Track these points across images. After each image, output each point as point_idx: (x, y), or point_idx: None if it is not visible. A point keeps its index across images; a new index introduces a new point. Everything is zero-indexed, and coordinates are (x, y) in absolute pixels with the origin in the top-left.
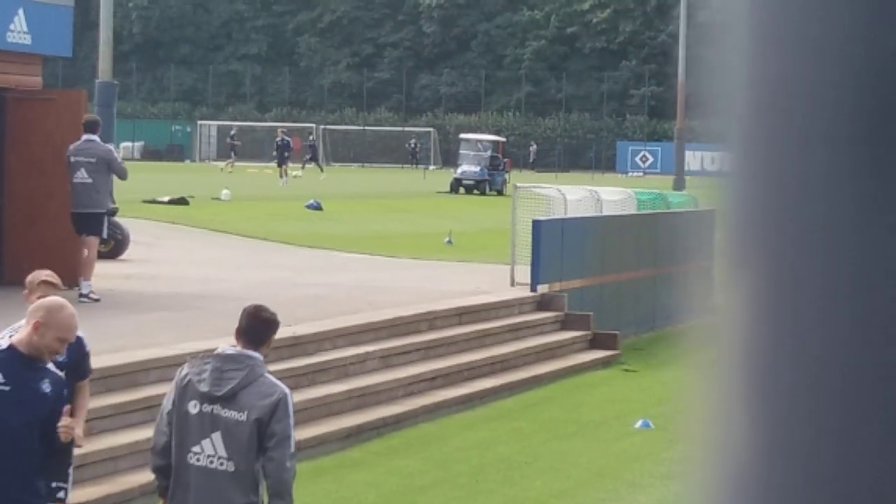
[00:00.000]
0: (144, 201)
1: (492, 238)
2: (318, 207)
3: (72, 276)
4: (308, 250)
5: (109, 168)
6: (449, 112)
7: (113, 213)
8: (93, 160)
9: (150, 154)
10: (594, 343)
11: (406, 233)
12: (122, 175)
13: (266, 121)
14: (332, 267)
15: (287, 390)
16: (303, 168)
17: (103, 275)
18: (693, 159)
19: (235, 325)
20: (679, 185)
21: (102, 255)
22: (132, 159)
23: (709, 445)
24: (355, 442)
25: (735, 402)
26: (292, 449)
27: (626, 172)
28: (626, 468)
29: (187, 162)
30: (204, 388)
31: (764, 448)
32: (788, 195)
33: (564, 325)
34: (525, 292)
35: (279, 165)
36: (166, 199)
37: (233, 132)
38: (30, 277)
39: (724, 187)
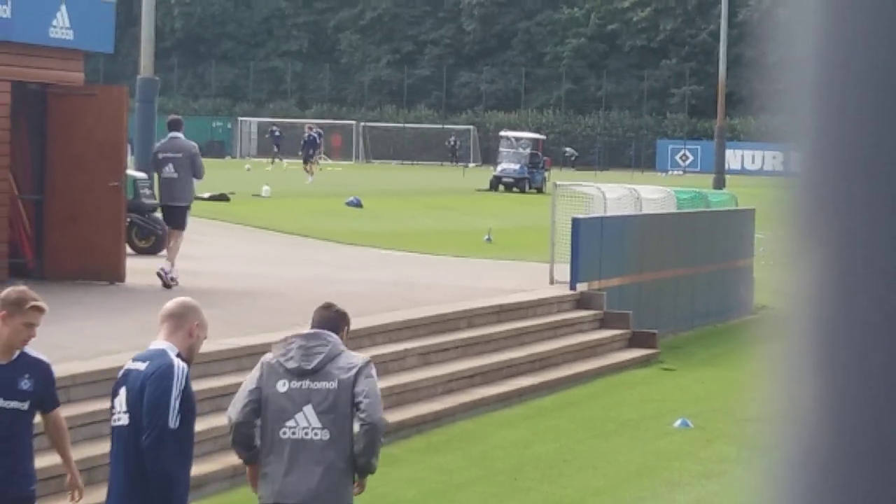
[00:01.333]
0: None
1: (531, 236)
2: (358, 204)
3: (112, 271)
4: (348, 247)
5: (192, 164)
6: (489, 110)
7: (153, 209)
8: (179, 155)
9: None
10: (633, 341)
11: (445, 230)
12: (200, 174)
13: (306, 117)
14: (371, 264)
15: (368, 359)
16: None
17: (144, 270)
18: (733, 158)
19: (274, 320)
20: (719, 184)
21: (144, 251)
22: None
23: (781, 432)
24: (395, 439)
25: (806, 384)
26: (380, 410)
27: (666, 171)
28: (664, 467)
29: (227, 158)
30: (293, 364)
31: (836, 429)
32: (860, 193)
33: (603, 323)
34: (564, 290)
35: (305, 162)
36: (207, 195)
37: (274, 129)
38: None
39: (790, 186)
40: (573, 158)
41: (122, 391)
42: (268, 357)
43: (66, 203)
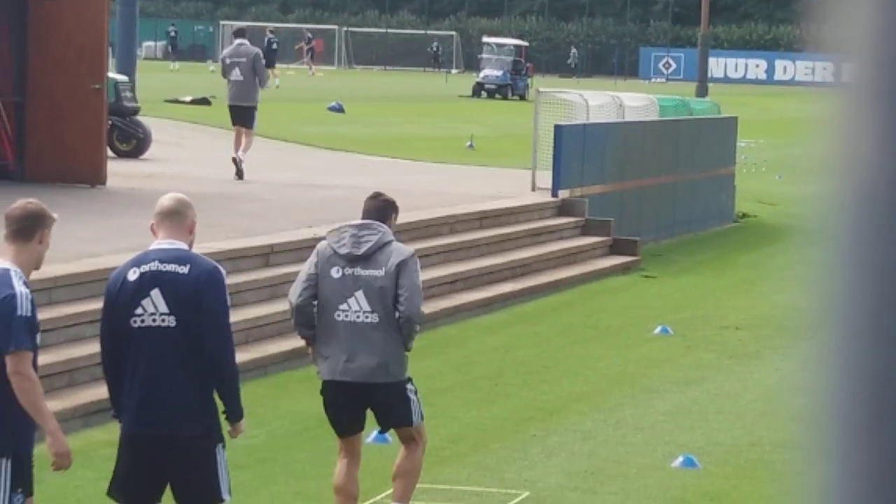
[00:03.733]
0: (166, 101)
1: (513, 143)
2: (340, 110)
3: (93, 174)
4: (330, 152)
5: (254, 68)
6: (472, 16)
7: (135, 112)
8: (244, 60)
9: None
10: (614, 249)
11: (428, 136)
12: (264, 80)
13: (288, 21)
14: (353, 169)
15: (412, 252)
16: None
17: (125, 173)
18: (716, 66)
19: (255, 225)
20: (702, 92)
21: (125, 154)
22: (154, 58)
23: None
24: None
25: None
26: (418, 303)
27: (649, 79)
28: (644, 374)
29: (209, 62)
30: (344, 250)
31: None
32: None
33: (585, 230)
34: (546, 197)
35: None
36: (188, 98)
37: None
38: None
39: (839, 97)
40: (575, 63)
41: (156, 293)
42: (322, 245)
43: (47, 105)
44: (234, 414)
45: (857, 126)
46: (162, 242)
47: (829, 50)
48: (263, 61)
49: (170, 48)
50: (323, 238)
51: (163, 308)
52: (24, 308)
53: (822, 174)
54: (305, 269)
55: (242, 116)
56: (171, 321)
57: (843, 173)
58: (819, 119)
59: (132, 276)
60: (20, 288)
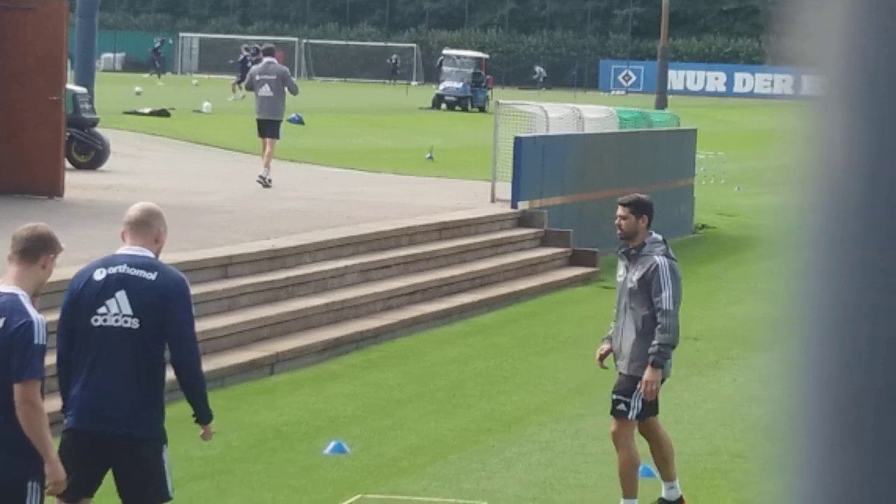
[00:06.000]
0: (125, 112)
1: (473, 154)
2: (299, 121)
3: (51, 185)
4: (289, 164)
5: (285, 83)
6: (432, 28)
7: (93, 123)
8: (273, 77)
9: (131, 66)
10: (574, 260)
11: (388, 148)
12: (295, 91)
13: (248, 34)
14: (313, 181)
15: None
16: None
17: (82, 185)
18: (676, 78)
19: (215, 236)
20: (661, 104)
21: (82, 166)
22: (113, 70)
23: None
24: (333, 355)
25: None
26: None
27: (609, 91)
28: (603, 384)
29: (168, 74)
30: None
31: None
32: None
33: (544, 241)
34: (506, 209)
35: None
36: (147, 110)
37: (157, 45)
38: None
39: (810, 110)
40: (542, 79)
41: (122, 295)
42: None
43: (5, 117)
44: (205, 417)
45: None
46: (131, 248)
47: (794, 63)
48: (293, 78)
49: (156, 63)
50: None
51: (127, 310)
52: (40, 336)
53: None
54: None
55: (270, 129)
56: (134, 323)
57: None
58: (786, 131)
59: (98, 275)
60: (35, 315)
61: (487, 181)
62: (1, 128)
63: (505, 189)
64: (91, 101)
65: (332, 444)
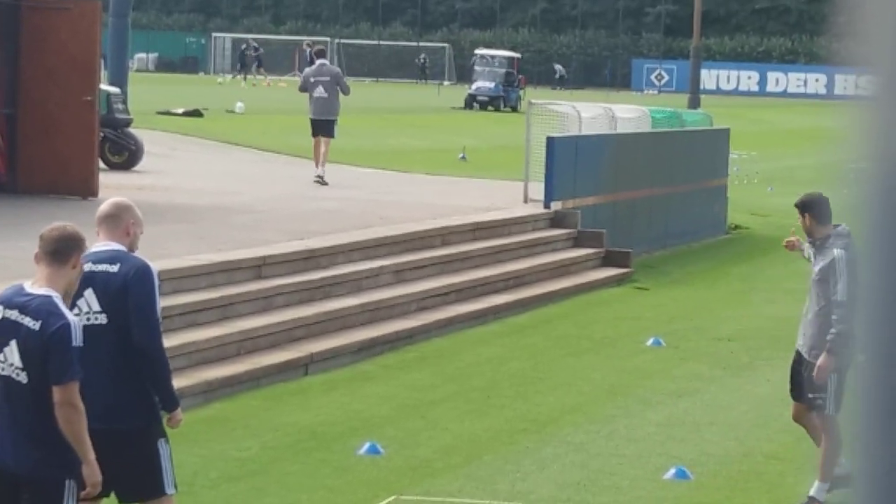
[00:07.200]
0: (159, 112)
1: (506, 154)
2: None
3: (85, 186)
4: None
5: (337, 84)
6: (464, 28)
7: (127, 124)
8: (327, 79)
9: (164, 66)
10: (607, 260)
11: (420, 148)
12: (347, 91)
13: (281, 34)
14: (346, 181)
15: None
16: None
17: (116, 185)
18: (708, 78)
19: (248, 237)
20: (694, 104)
21: (116, 166)
22: (146, 70)
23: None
24: (368, 355)
25: None
26: None
27: (641, 90)
28: (637, 385)
29: (200, 74)
30: None
31: None
32: None
33: (577, 242)
34: (538, 209)
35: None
36: (181, 110)
37: (243, 47)
38: None
39: (868, 111)
40: (559, 77)
41: (90, 292)
42: None
43: (39, 117)
44: (169, 403)
45: (882, 136)
46: (99, 244)
47: (854, 63)
48: (345, 79)
49: (253, 63)
50: None
51: (96, 307)
52: (77, 338)
53: (847, 183)
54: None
55: (326, 128)
56: (102, 319)
57: (867, 182)
58: (842, 130)
59: None
60: (71, 317)
61: (520, 181)
62: (35, 128)
63: (538, 189)
64: (124, 102)
65: (366, 445)
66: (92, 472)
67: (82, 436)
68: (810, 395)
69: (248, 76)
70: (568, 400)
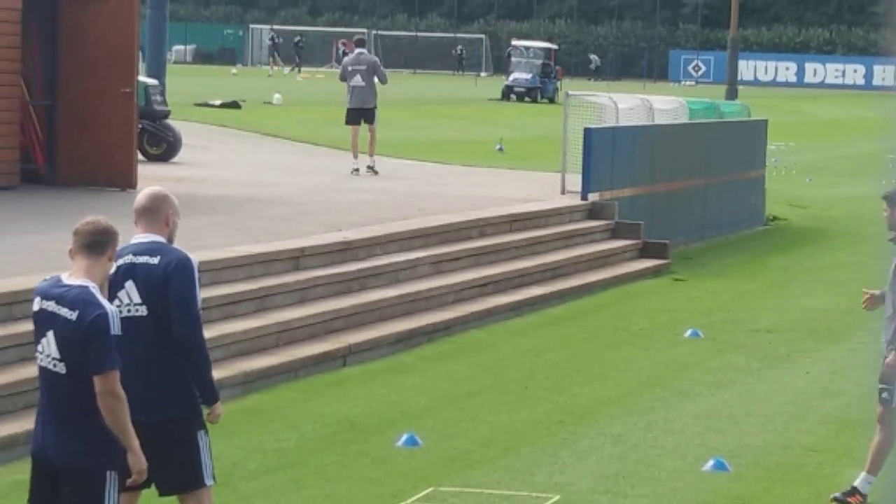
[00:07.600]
0: (196, 104)
1: (543, 146)
2: None
3: (123, 177)
4: (359, 156)
5: (375, 73)
6: (501, 19)
7: (165, 115)
8: (364, 67)
9: (201, 57)
10: (644, 252)
11: (457, 140)
12: (384, 80)
13: (318, 25)
14: (383, 173)
15: None
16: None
17: (155, 177)
18: (746, 69)
19: (286, 228)
20: (731, 95)
21: (155, 158)
22: (184, 62)
23: None
24: (406, 347)
25: None
26: None
27: (679, 81)
28: (675, 377)
29: (238, 66)
30: None
31: None
32: None
33: (615, 233)
34: (576, 200)
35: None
36: (218, 102)
37: (297, 39)
38: None
39: None
40: (595, 68)
41: (130, 284)
42: None
43: (77, 109)
44: (209, 397)
45: None
46: (139, 236)
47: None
48: (383, 68)
49: (297, 57)
50: None
51: (136, 299)
52: (115, 327)
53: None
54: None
55: (366, 116)
56: (143, 310)
57: None
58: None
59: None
60: (108, 306)
61: (557, 173)
62: (74, 120)
63: (575, 181)
64: (163, 93)
65: (404, 437)
66: (137, 460)
67: (125, 424)
68: (879, 387)
69: (295, 68)
70: (605, 391)
